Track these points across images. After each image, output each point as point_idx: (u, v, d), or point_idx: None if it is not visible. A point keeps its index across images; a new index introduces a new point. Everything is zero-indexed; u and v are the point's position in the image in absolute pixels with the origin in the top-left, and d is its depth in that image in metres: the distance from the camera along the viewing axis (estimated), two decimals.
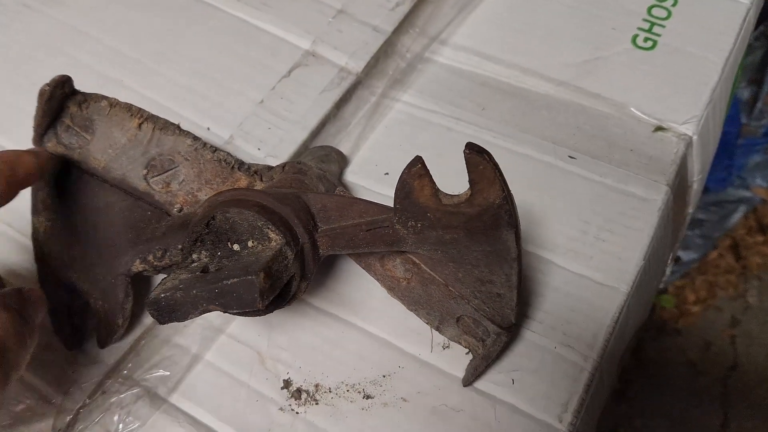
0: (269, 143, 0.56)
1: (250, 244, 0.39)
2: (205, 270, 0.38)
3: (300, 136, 0.56)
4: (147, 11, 0.63)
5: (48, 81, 0.43)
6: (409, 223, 0.38)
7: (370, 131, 0.59)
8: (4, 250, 0.51)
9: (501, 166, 0.36)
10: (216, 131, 0.56)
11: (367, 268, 0.48)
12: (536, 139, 0.56)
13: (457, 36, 0.63)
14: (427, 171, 0.36)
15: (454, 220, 0.37)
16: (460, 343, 0.46)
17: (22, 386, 0.45)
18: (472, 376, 0.44)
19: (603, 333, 0.46)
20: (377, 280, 0.48)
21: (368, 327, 0.48)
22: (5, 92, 0.59)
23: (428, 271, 0.43)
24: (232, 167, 0.47)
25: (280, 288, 0.38)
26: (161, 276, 0.49)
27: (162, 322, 0.37)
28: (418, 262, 0.44)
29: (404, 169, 0.36)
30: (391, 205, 0.38)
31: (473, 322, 0.44)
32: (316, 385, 0.46)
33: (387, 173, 0.55)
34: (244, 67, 0.60)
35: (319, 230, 0.41)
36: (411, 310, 0.47)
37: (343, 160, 0.56)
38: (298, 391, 0.46)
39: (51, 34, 0.62)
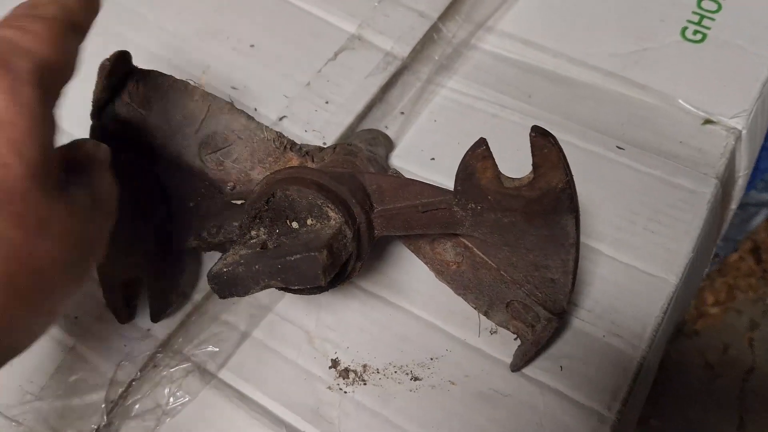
0: (316, 125, 0.56)
1: (309, 222, 0.39)
2: (263, 246, 0.39)
3: (346, 119, 0.56)
4: None
5: (107, 56, 0.43)
6: (469, 206, 0.38)
7: (415, 116, 0.59)
8: None
9: None
10: (263, 112, 0.57)
11: (417, 251, 0.48)
12: (583, 128, 0.56)
13: (503, 23, 0.63)
14: (491, 153, 0.36)
15: (514, 203, 0.37)
16: (508, 329, 0.46)
17: (75, 357, 0.46)
18: (521, 362, 0.45)
19: (651, 323, 0.46)
20: (426, 263, 0.48)
21: (415, 310, 0.49)
22: None
23: (480, 255, 0.44)
24: (285, 147, 0.47)
25: (339, 266, 0.38)
26: (213, 253, 0.49)
27: (222, 296, 0.37)
28: (470, 245, 0.44)
29: (468, 151, 0.36)
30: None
31: (523, 308, 0.44)
32: (364, 366, 0.46)
33: (433, 158, 0.55)
34: (289, 49, 0.60)
35: (375, 211, 0.41)
36: (459, 295, 0.48)
37: (389, 144, 0.56)
38: (346, 370, 0.46)
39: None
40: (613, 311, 0.47)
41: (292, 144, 0.48)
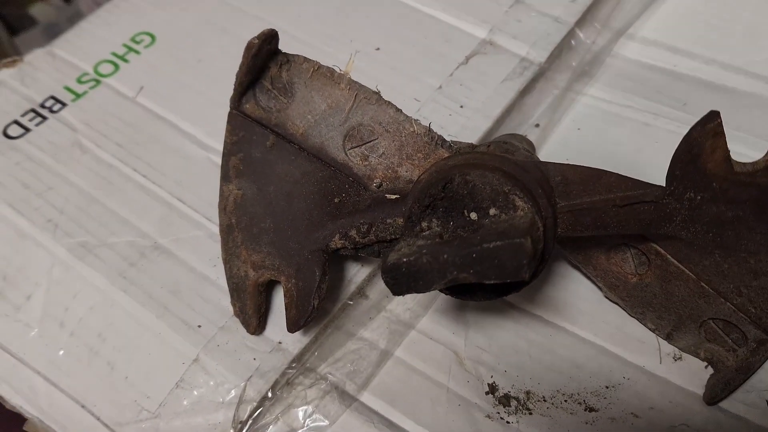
0: (451, 130, 0.51)
1: (492, 212, 0.34)
2: (440, 238, 0.33)
3: (483, 124, 0.51)
4: None
5: (256, 35, 0.39)
6: (687, 195, 0.32)
7: (555, 124, 0.54)
8: (175, 222, 0.47)
9: None
10: None
11: (585, 263, 0.42)
12: (750, 137, 0.50)
13: (645, 30, 0.58)
14: (723, 130, 0.31)
15: (743, 192, 0.31)
16: (696, 354, 0.40)
17: (198, 371, 0.41)
18: (721, 392, 0.38)
19: None
20: (596, 277, 0.42)
21: (580, 332, 0.42)
22: (171, 68, 0.56)
23: (676, 263, 0.37)
24: (436, 143, 0.42)
25: (539, 260, 0.32)
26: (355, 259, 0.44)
27: (398, 292, 0.32)
28: (663, 253, 0.38)
29: (694, 126, 0.31)
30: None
31: (724, 327, 0.38)
32: (527, 393, 0.40)
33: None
34: (418, 54, 0.56)
35: (559, 206, 0.36)
36: (633, 315, 0.41)
37: (533, 151, 0.51)
38: (506, 397, 0.40)
39: (215, 12, 0.60)
40: None
41: (443, 140, 0.43)
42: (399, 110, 0.43)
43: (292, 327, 0.40)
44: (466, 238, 0.32)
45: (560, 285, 0.44)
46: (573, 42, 0.57)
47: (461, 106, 0.53)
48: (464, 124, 0.52)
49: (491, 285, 0.34)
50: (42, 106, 0.53)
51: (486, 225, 0.33)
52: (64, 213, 0.47)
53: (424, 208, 0.34)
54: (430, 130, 0.43)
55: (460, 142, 0.43)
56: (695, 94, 0.54)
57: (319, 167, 0.41)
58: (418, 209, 0.35)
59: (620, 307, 0.42)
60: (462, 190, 0.34)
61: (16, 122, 0.52)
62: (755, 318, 0.36)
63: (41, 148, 0.50)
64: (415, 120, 0.43)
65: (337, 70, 0.42)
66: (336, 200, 0.41)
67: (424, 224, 0.34)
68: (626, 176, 0.35)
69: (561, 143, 0.53)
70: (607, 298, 0.42)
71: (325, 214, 0.41)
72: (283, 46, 0.57)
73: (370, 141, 0.42)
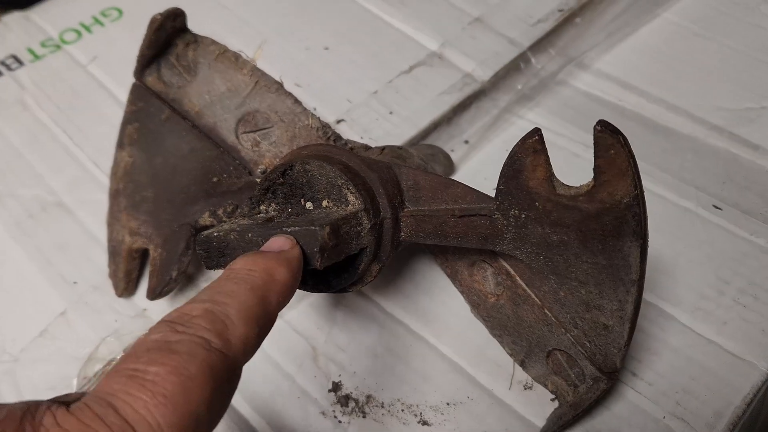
0: (374, 134, 0.51)
1: (324, 203, 0.34)
2: (269, 221, 0.34)
3: (408, 132, 0.51)
4: None
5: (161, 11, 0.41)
6: (512, 212, 0.32)
7: (485, 143, 0.53)
8: (84, 185, 0.49)
9: None
10: (322, 112, 0.53)
11: (453, 276, 0.42)
12: (676, 181, 0.48)
13: (600, 62, 0.57)
14: (545, 147, 0.30)
15: (567, 216, 0.31)
16: (545, 385, 0.38)
17: (63, 323, 0.42)
18: (554, 426, 0.36)
19: (729, 413, 0.37)
20: (462, 292, 0.41)
21: (440, 346, 0.42)
22: (127, 43, 0.58)
23: (523, 286, 0.37)
24: (329, 138, 0.43)
25: (346, 254, 0.32)
26: None
27: (209, 267, 0.32)
28: (513, 273, 0.37)
29: (518, 141, 0.30)
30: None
31: (567, 361, 0.36)
32: (368, 396, 0.39)
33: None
34: (365, 57, 0.57)
35: (405, 210, 0.36)
36: (494, 336, 0.40)
37: (449, 165, 0.50)
38: (346, 397, 0.40)
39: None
40: (680, 390, 0.38)
41: (337, 137, 0.43)
42: (298, 102, 0.43)
43: (150, 294, 0.41)
44: (277, 223, 0.32)
45: (437, 298, 0.44)
46: (522, 65, 0.56)
47: (390, 113, 0.53)
48: (389, 130, 0.52)
49: (321, 274, 0.34)
50: (2, 63, 0.56)
51: (314, 214, 0.33)
52: None
53: (264, 192, 0.35)
54: (325, 125, 0.43)
55: (355, 142, 0.44)
56: (632, 130, 0.52)
57: (207, 146, 0.43)
58: (259, 192, 0.35)
59: (485, 326, 0.41)
60: (301, 179, 0.34)
61: None
62: (590, 353, 0.34)
63: None
64: (312, 114, 0.43)
65: (243, 55, 0.43)
66: (215, 179, 0.42)
67: (263, 207, 0.35)
68: (472, 188, 0.35)
69: (485, 161, 0.52)
70: (474, 315, 0.42)
71: (201, 191, 0.42)
72: (236, 32, 0.59)
73: (264, 128, 0.43)
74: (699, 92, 0.54)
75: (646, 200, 0.30)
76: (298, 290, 0.31)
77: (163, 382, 0.21)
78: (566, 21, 0.58)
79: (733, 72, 0.55)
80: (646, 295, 0.42)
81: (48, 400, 0.21)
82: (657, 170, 0.49)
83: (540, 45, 0.57)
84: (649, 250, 0.43)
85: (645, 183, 0.47)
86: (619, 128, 0.29)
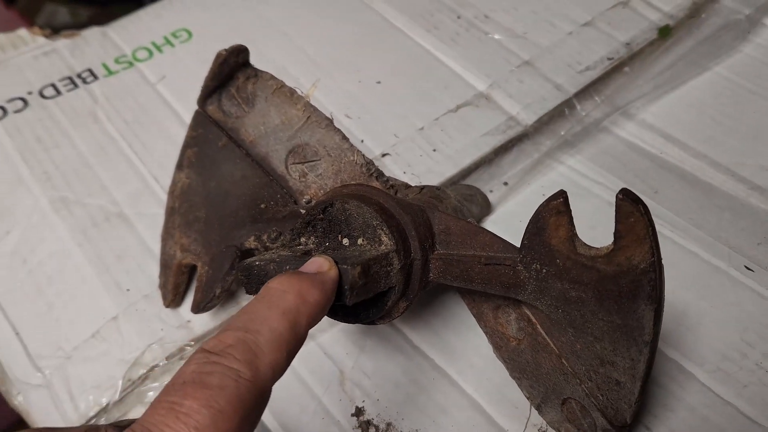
0: (416, 169, 0.54)
1: (360, 241, 0.36)
2: (307, 254, 0.36)
3: (449, 170, 0.53)
4: (339, 22, 0.65)
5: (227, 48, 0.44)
6: (534, 266, 0.34)
7: (523, 186, 0.55)
8: (144, 198, 0.53)
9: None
10: (369, 145, 0.56)
11: (479, 317, 0.43)
12: (711, 239, 0.49)
13: (645, 113, 0.58)
14: (569, 209, 0.32)
15: (585, 275, 0.32)
16: (558, 431, 0.40)
17: (113, 327, 0.46)
18: None
19: None
20: (486, 333, 0.43)
21: (462, 384, 0.43)
22: (195, 65, 0.62)
23: (543, 334, 0.38)
24: (371, 174, 0.45)
25: (374, 292, 0.35)
26: None
27: (249, 291, 0.35)
28: (534, 321, 0.38)
29: (543, 202, 0.32)
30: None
31: (580, 410, 0.38)
32: (388, 424, 0.42)
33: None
34: (414, 93, 0.59)
35: (435, 252, 0.38)
36: (514, 378, 0.42)
37: (486, 206, 0.52)
38: (368, 423, 0.42)
39: (249, 24, 0.66)
40: None
41: (380, 174, 0.46)
42: (345, 138, 0.46)
43: (194, 308, 0.44)
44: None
45: (463, 335, 0.45)
46: (567, 111, 0.58)
47: (434, 150, 0.55)
48: (431, 167, 0.54)
49: (351, 306, 0.36)
50: (78, 76, 0.61)
51: (350, 251, 0.36)
52: (59, 169, 0.54)
53: (305, 225, 0.38)
54: (369, 162, 0.46)
55: (396, 179, 0.46)
56: (671, 183, 0.53)
57: (258, 174, 0.45)
58: (300, 225, 0.38)
59: (506, 367, 0.42)
60: (340, 216, 0.37)
61: (53, 85, 0.60)
62: (602, 406, 0.36)
63: (63, 111, 0.58)
64: (358, 150, 0.46)
65: (299, 91, 0.46)
66: (262, 206, 0.45)
67: (303, 239, 0.38)
68: (500, 237, 0.36)
69: (522, 204, 0.53)
70: (496, 356, 0.43)
71: (248, 216, 0.45)
72: (294, 60, 0.62)
73: (312, 161, 0.46)
74: (743, 150, 0.54)
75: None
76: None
77: (195, 414, 0.24)
78: (614, 69, 0.59)
79: None
80: (668, 351, 0.43)
81: (105, 425, 0.25)
82: (692, 226, 0.50)
83: (586, 92, 0.58)
84: (676, 305, 0.44)
85: (678, 238, 0.48)
86: (641, 197, 0.30)
